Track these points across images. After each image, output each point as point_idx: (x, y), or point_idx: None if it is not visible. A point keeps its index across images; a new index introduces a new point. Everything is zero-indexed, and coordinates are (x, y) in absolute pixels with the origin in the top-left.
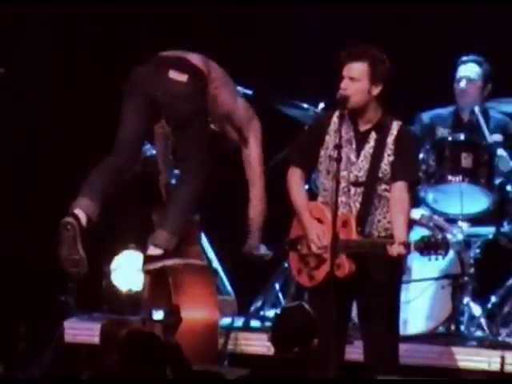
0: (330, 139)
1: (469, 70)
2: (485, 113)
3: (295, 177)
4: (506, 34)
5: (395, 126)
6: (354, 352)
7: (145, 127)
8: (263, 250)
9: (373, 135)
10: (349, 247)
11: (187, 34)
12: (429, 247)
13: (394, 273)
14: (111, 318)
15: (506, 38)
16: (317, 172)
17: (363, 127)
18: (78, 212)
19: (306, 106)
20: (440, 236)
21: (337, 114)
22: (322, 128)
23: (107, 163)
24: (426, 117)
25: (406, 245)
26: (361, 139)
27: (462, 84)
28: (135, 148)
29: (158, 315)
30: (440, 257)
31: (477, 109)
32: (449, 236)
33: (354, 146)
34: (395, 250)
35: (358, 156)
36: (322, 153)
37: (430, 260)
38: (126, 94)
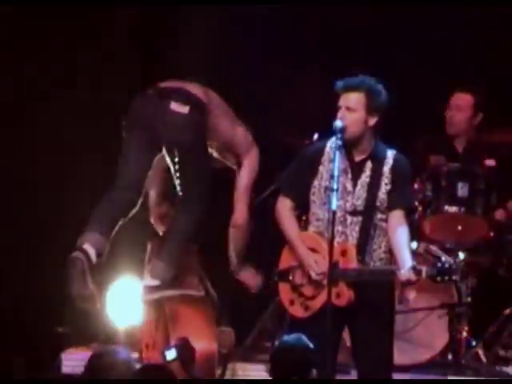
0: (324, 169)
1: (458, 99)
2: (479, 140)
3: (285, 206)
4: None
5: (390, 155)
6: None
7: (147, 160)
8: (249, 271)
9: (368, 164)
10: (349, 276)
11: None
12: (442, 273)
13: (390, 301)
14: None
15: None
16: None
17: (358, 157)
18: (87, 247)
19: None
20: (451, 261)
21: (330, 144)
22: (315, 158)
23: (113, 199)
24: (418, 145)
25: (416, 271)
26: (356, 169)
27: (450, 112)
28: (141, 182)
29: (171, 354)
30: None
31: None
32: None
33: (349, 176)
34: (405, 275)
35: (354, 185)
36: (316, 183)
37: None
38: (127, 127)
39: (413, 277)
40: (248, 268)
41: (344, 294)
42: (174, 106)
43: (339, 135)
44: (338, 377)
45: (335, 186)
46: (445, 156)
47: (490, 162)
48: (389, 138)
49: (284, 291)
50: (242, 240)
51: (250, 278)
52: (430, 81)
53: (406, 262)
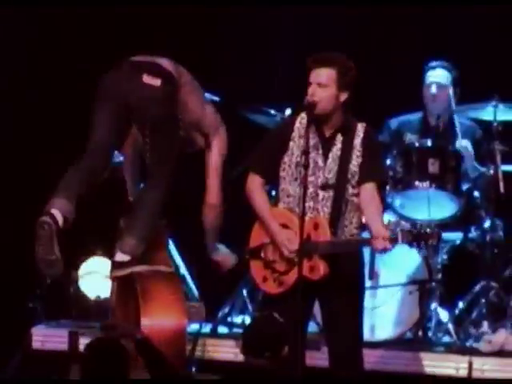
0: (295, 145)
1: (439, 76)
2: (453, 119)
3: (256, 184)
4: (470, 38)
5: (360, 128)
6: (320, 358)
7: (117, 131)
8: (224, 251)
9: (339, 138)
10: (322, 248)
11: (150, 36)
12: (418, 238)
13: (359, 276)
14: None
15: (471, 42)
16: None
17: (328, 132)
18: (55, 212)
19: (272, 112)
20: (430, 227)
21: (299, 119)
22: (285, 134)
23: (83, 165)
24: (393, 123)
25: (391, 239)
26: (327, 143)
27: (433, 90)
28: (109, 151)
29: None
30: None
31: (446, 115)
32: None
33: (320, 151)
34: (381, 243)
35: (325, 160)
36: (286, 159)
37: (419, 251)
38: (100, 98)
39: (388, 244)
40: (222, 248)
41: (318, 268)
42: (146, 79)
43: (310, 111)
44: (309, 353)
45: (307, 162)
46: (419, 135)
47: (464, 143)
48: (364, 115)
49: (256, 268)
50: (215, 219)
51: (224, 258)
52: (404, 58)
53: (380, 230)
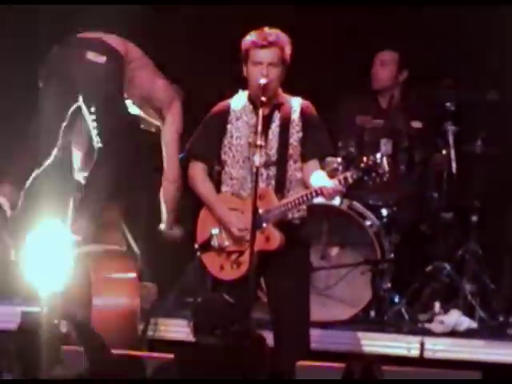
0: (233, 127)
1: (384, 54)
2: (405, 99)
3: (198, 170)
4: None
5: (296, 103)
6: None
7: (63, 110)
8: (177, 231)
9: (276, 114)
10: (273, 215)
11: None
12: (367, 171)
13: (305, 255)
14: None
15: (423, 25)
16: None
17: (266, 110)
18: (1, 199)
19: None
20: (377, 156)
21: (234, 102)
22: (221, 118)
23: (27, 147)
24: (345, 103)
25: (342, 179)
26: (266, 121)
27: (376, 67)
28: (56, 132)
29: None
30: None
31: (397, 95)
32: (368, 222)
33: (260, 130)
34: (331, 187)
35: (266, 138)
36: (225, 142)
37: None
38: (43, 77)
39: (339, 186)
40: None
41: (274, 236)
42: (91, 56)
43: (264, 92)
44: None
45: (259, 142)
46: (371, 115)
47: (416, 124)
48: (316, 98)
49: (210, 261)
50: (174, 194)
51: (178, 238)
52: (358, 37)
53: (328, 180)
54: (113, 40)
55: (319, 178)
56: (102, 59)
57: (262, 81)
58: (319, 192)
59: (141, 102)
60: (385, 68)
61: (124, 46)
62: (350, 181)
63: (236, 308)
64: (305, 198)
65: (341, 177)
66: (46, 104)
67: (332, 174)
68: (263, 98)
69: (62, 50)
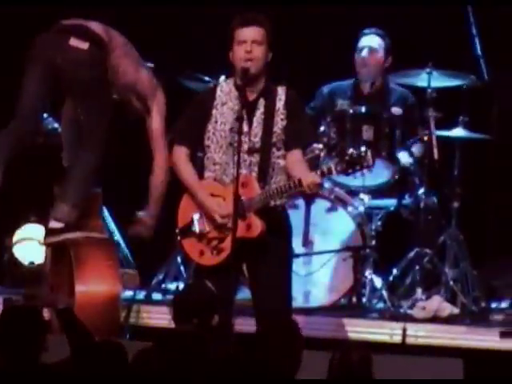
0: (218, 113)
1: (371, 41)
2: (386, 85)
3: (182, 155)
4: (404, 6)
5: (281, 91)
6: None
7: (46, 94)
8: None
9: (261, 102)
10: (255, 203)
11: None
12: (353, 163)
13: (287, 242)
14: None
15: (406, 10)
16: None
17: (251, 96)
18: None
19: (207, 78)
20: (362, 149)
21: (220, 88)
22: (206, 103)
23: (10, 130)
24: (325, 89)
25: (326, 171)
26: (250, 108)
27: (364, 53)
28: (37, 114)
29: None
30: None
31: (379, 82)
32: (350, 208)
33: (244, 116)
34: (314, 179)
35: (250, 125)
36: (210, 127)
37: (354, 177)
38: (29, 61)
39: (318, 179)
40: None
41: (256, 224)
42: (74, 42)
43: (245, 73)
44: (243, 319)
45: (245, 129)
46: (352, 101)
47: (397, 110)
48: (295, 82)
49: (190, 246)
50: (163, 182)
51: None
52: (337, 25)
53: (309, 173)
54: (96, 27)
55: (302, 170)
56: (85, 45)
57: (245, 64)
58: (299, 184)
59: (124, 90)
60: (373, 54)
61: (107, 33)
62: (334, 173)
63: (217, 298)
64: (286, 188)
65: (324, 168)
66: (30, 87)
67: (313, 161)
68: (243, 81)
69: (47, 35)
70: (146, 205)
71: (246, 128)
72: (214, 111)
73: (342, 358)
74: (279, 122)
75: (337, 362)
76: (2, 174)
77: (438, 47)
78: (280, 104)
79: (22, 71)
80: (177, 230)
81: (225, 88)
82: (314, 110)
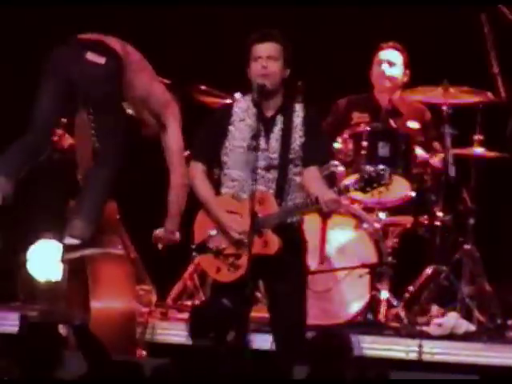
0: (235, 129)
1: (390, 55)
2: (403, 101)
3: (198, 171)
4: (420, 22)
5: (299, 108)
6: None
7: (60, 109)
8: (177, 236)
9: (279, 118)
10: (272, 220)
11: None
12: (370, 182)
13: (303, 259)
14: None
15: (421, 26)
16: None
17: (269, 113)
18: None
19: (223, 95)
20: (380, 167)
21: (237, 104)
22: (224, 119)
23: (23, 143)
24: (342, 103)
25: (343, 189)
26: (268, 124)
27: (384, 66)
28: (50, 128)
29: None
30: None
31: (395, 97)
32: (365, 225)
33: (262, 133)
34: (331, 197)
35: (267, 141)
36: (227, 143)
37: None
38: (44, 75)
39: (337, 197)
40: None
41: (273, 241)
42: (90, 57)
43: (262, 89)
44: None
45: (263, 146)
46: (368, 114)
47: (414, 125)
48: (313, 95)
49: (206, 262)
50: (182, 199)
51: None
52: (353, 38)
53: (327, 191)
54: (112, 42)
55: (320, 187)
56: (102, 60)
57: (261, 80)
58: (317, 201)
59: (139, 105)
60: (393, 68)
61: (123, 48)
62: (352, 190)
63: (233, 313)
64: (303, 205)
65: (341, 186)
66: (45, 100)
67: (329, 178)
68: (260, 96)
69: (63, 50)
70: (164, 222)
71: (263, 144)
72: (231, 128)
73: (360, 375)
74: (297, 139)
75: (353, 380)
76: (13, 184)
77: (454, 63)
78: (298, 120)
79: (36, 83)
80: (193, 246)
81: (242, 104)
82: (331, 126)
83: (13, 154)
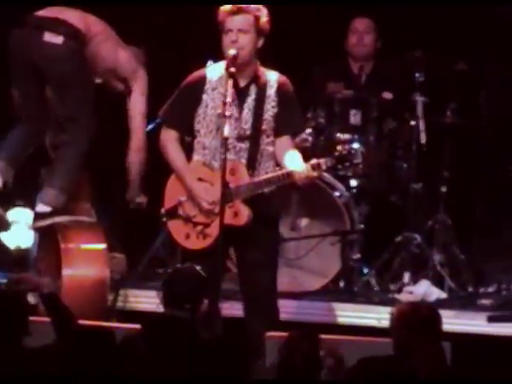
0: (208, 97)
1: (363, 22)
2: (376, 69)
3: (170, 138)
4: None
5: (273, 78)
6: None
7: (38, 91)
8: (141, 199)
9: (253, 88)
10: (243, 191)
11: None
12: (341, 160)
13: (275, 225)
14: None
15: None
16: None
17: (242, 82)
18: None
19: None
20: (352, 146)
21: (211, 72)
22: (197, 87)
23: (22, 131)
24: (317, 70)
25: (315, 165)
26: (242, 94)
27: (358, 33)
28: (42, 113)
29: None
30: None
31: (369, 65)
32: (337, 193)
33: (235, 102)
34: (303, 172)
35: (240, 111)
36: (200, 111)
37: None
38: (10, 58)
39: (312, 172)
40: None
41: (242, 212)
42: (48, 37)
43: (233, 61)
44: (230, 303)
45: (227, 113)
46: (343, 83)
47: (387, 95)
48: (287, 64)
49: (176, 228)
50: (141, 163)
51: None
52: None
53: (300, 163)
54: (72, 17)
55: (293, 160)
56: (59, 39)
57: (231, 51)
58: (290, 176)
59: (106, 74)
60: (367, 35)
61: (84, 22)
62: (324, 167)
63: (206, 282)
64: (275, 179)
65: (314, 162)
66: (20, 86)
67: (301, 145)
68: (233, 69)
69: (21, 31)
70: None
71: (236, 114)
72: (204, 96)
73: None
74: (270, 110)
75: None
76: (14, 171)
77: (427, 31)
78: (271, 91)
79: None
80: (162, 211)
81: (215, 72)
82: (307, 97)
83: (13, 141)
